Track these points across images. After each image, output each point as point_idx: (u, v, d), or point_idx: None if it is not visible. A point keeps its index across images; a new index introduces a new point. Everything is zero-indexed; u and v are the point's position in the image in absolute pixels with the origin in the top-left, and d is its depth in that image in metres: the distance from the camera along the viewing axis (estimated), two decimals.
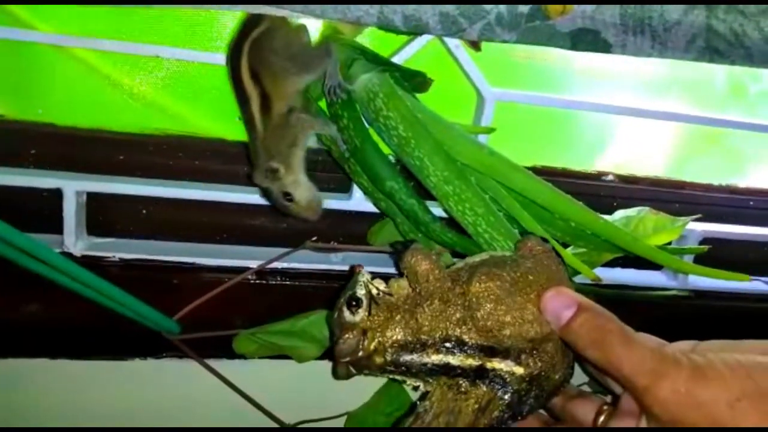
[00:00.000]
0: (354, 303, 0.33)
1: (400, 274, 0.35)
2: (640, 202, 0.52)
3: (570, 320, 0.31)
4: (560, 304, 0.32)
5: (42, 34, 0.45)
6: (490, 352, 0.32)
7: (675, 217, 0.48)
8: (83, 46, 0.45)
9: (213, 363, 0.50)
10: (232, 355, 0.49)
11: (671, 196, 0.59)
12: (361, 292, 0.33)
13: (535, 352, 0.32)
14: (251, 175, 0.44)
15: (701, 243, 0.55)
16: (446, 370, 0.32)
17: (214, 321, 0.49)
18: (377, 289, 0.34)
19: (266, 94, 0.42)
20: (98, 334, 0.50)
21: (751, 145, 0.62)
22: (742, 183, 0.61)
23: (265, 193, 0.46)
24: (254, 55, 0.42)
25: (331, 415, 0.53)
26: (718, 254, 0.51)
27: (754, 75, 0.59)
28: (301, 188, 0.45)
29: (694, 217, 0.49)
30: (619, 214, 0.48)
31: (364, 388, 0.52)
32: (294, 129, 0.44)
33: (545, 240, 0.37)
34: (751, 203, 0.61)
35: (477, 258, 0.35)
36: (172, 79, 0.52)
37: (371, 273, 0.35)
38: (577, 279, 0.45)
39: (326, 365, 0.51)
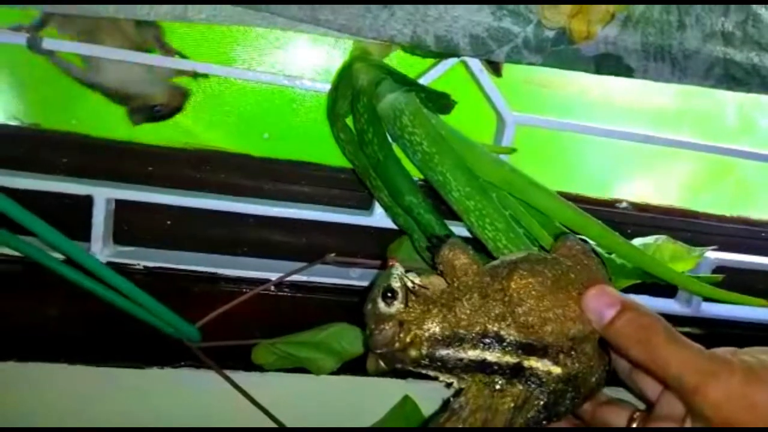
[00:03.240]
0: (390, 294, 0.32)
1: (434, 269, 0.35)
2: (654, 230, 0.53)
3: (614, 318, 0.31)
4: (603, 303, 0.32)
5: (73, 44, 0.45)
6: (529, 349, 0.32)
7: (692, 246, 0.49)
8: (115, 57, 0.45)
9: (230, 374, 0.50)
10: (249, 366, 0.49)
11: (685, 225, 0.60)
12: (396, 284, 0.33)
13: (573, 352, 0.32)
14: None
15: (714, 271, 0.55)
16: (482, 366, 0.32)
17: (232, 332, 0.49)
18: (412, 282, 0.33)
19: None
20: (116, 341, 0.50)
21: (762, 178, 0.63)
22: (755, 215, 0.63)
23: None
24: None
25: None
26: (730, 283, 0.52)
27: (765, 109, 0.61)
28: (158, 95, 0.49)
29: (711, 248, 0.50)
30: (637, 241, 0.49)
31: (379, 404, 0.52)
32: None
33: (584, 240, 0.37)
34: (764, 235, 0.62)
35: (514, 256, 0.35)
36: (202, 94, 0.53)
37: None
38: None
39: (342, 381, 0.51)
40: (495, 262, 0.35)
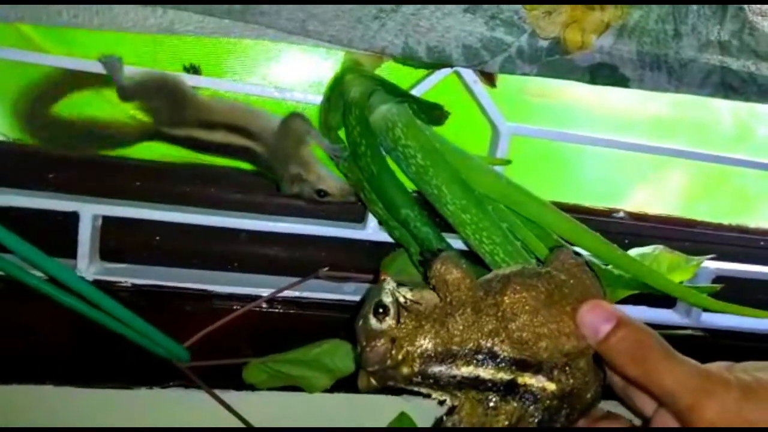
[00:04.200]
0: (381, 310, 0.32)
1: (428, 285, 0.34)
2: (651, 240, 0.52)
3: (609, 334, 0.30)
4: (598, 318, 0.31)
5: (60, 58, 0.44)
6: (523, 365, 0.31)
7: (689, 256, 0.48)
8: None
9: (221, 393, 0.49)
10: (241, 385, 0.48)
11: (682, 235, 0.59)
12: (387, 299, 0.32)
13: (567, 368, 0.32)
14: (279, 188, 0.46)
15: (713, 281, 0.55)
16: (476, 383, 0.31)
17: (223, 350, 0.48)
18: (404, 297, 0.33)
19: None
20: (103, 361, 0.49)
21: (759, 187, 0.63)
22: (752, 223, 0.62)
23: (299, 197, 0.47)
24: None
25: None
26: (729, 293, 0.51)
27: (760, 117, 0.60)
28: (328, 180, 0.46)
29: (709, 257, 0.49)
30: (634, 252, 0.48)
31: (375, 422, 0.51)
32: (295, 131, 0.46)
33: (578, 254, 0.36)
34: (762, 243, 0.61)
35: (507, 270, 0.34)
36: None
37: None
38: None
39: (336, 398, 0.50)
40: (488, 276, 0.35)
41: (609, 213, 0.59)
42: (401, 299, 0.33)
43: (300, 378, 0.47)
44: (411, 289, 0.34)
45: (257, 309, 0.49)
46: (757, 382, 0.28)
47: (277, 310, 0.50)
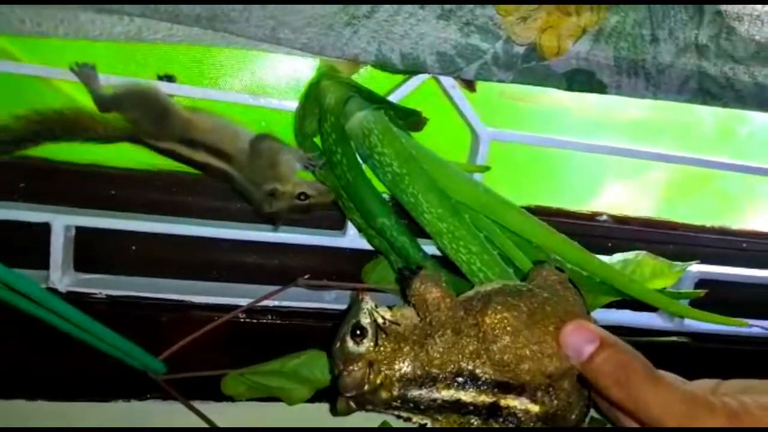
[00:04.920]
0: (359, 332, 0.31)
1: (407, 303, 0.34)
2: (634, 243, 0.52)
3: (592, 356, 0.30)
4: (581, 338, 0.30)
5: (34, 67, 0.43)
6: (505, 388, 0.30)
7: (673, 261, 0.47)
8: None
9: (199, 405, 0.48)
10: (220, 396, 0.48)
11: (665, 237, 0.59)
12: (365, 320, 0.31)
13: (551, 389, 0.31)
14: (258, 212, 0.45)
15: (697, 285, 0.54)
16: (457, 407, 0.30)
17: (201, 361, 0.47)
18: (383, 317, 0.32)
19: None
20: (79, 375, 0.48)
21: (741, 188, 0.63)
22: (735, 225, 0.62)
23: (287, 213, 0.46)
24: None
25: None
26: (713, 296, 0.51)
27: (742, 118, 0.60)
28: (304, 185, 0.45)
29: (693, 263, 0.49)
30: (617, 257, 0.48)
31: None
32: (266, 152, 0.45)
33: (560, 269, 0.36)
34: (744, 245, 0.61)
35: (489, 287, 0.34)
36: None
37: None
38: None
39: (317, 408, 0.49)
40: (469, 293, 0.34)
41: (592, 217, 0.59)
42: (380, 320, 0.32)
43: (279, 389, 0.46)
44: (390, 309, 0.33)
45: (236, 319, 0.49)
46: (743, 406, 0.27)
47: (256, 320, 0.50)
